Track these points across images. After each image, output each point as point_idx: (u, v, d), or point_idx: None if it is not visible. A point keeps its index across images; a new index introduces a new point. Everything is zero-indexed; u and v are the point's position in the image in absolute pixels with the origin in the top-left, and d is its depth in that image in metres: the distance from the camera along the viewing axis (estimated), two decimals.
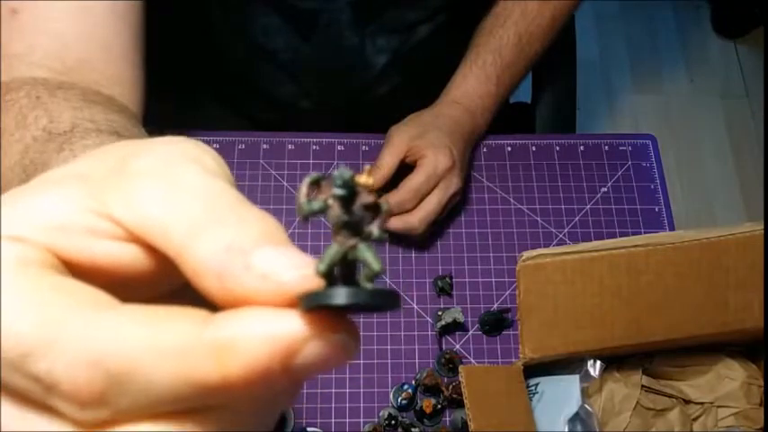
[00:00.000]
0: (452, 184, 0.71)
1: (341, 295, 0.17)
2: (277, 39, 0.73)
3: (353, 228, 0.18)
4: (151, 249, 0.19)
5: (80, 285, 0.17)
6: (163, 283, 0.20)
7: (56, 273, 0.18)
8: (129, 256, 0.19)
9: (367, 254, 0.18)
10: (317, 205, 0.18)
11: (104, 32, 0.50)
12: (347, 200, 0.18)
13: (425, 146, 0.70)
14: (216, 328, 0.16)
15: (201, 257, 0.17)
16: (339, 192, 0.18)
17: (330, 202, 0.18)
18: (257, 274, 0.17)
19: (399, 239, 0.73)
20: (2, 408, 0.17)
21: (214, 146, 0.78)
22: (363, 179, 0.18)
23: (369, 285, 0.18)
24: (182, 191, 0.18)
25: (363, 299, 0.17)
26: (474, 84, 0.77)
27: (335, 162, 0.79)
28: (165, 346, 0.16)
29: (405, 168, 0.70)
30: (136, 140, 0.20)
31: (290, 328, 0.17)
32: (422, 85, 0.79)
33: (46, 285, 0.17)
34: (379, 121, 0.77)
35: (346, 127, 0.80)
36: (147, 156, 0.19)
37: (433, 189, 0.70)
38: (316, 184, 0.19)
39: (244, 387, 0.16)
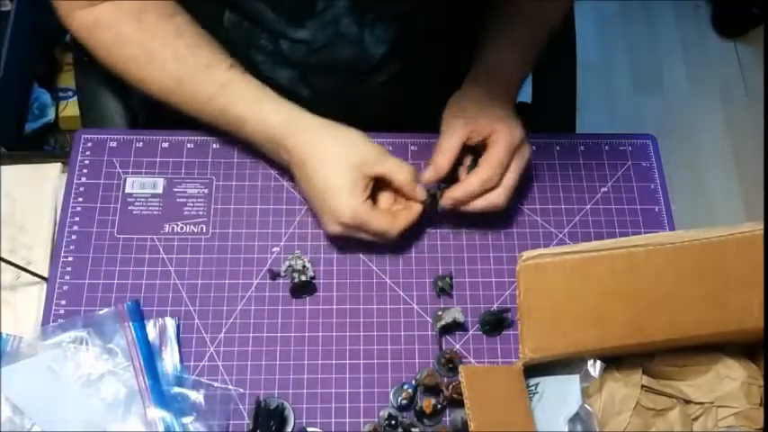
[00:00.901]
0: (526, 152, 0.72)
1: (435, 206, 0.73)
2: (276, 25, 0.73)
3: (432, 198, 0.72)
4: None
5: (370, 204, 0.69)
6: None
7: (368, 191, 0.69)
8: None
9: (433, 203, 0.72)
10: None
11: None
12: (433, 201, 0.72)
13: (490, 121, 0.70)
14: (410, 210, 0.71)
15: (406, 188, 0.70)
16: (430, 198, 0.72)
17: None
18: (418, 194, 0.70)
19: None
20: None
21: (214, 146, 0.78)
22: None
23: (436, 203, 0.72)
24: (399, 164, 0.70)
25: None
26: (506, 54, 0.78)
27: None
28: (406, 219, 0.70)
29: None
30: (361, 143, 0.70)
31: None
32: (421, 74, 0.79)
33: (366, 203, 0.68)
34: (378, 110, 0.78)
35: (345, 117, 0.80)
36: (377, 153, 0.69)
37: (511, 161, 0.70)
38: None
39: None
